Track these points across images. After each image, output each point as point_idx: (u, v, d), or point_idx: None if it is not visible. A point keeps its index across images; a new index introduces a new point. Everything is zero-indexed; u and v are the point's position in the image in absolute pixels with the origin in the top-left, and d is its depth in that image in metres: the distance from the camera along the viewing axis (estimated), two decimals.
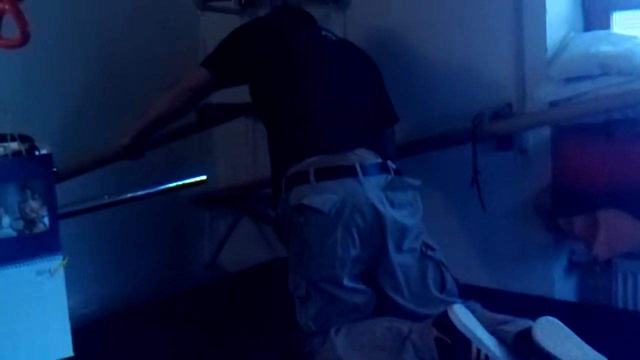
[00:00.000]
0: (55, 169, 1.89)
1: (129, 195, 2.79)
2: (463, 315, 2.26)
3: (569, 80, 2.95)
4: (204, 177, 2.94)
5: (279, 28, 2.83)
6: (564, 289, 3.20)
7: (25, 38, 1.74)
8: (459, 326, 2.23)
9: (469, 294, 2.59)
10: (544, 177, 3.10)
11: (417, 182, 2.62)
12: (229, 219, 3.81)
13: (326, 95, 2.68)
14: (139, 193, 2.81)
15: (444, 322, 2.28)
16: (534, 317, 2.21)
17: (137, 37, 3.47)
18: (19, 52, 1.81)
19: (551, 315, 2.20)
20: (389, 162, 2.61)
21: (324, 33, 2.88)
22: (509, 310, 2.40)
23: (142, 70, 3.46)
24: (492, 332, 2.26)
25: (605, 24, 3.25)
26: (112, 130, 3.03)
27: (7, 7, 1.74)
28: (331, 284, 2.47)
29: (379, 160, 2.59)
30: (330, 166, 2.51)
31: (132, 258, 3.49)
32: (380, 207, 2.48)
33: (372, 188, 2.50)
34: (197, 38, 3.65)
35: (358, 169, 2.50)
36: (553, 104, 3.01)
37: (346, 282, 2.47)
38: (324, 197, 2.45)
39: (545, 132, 3.12)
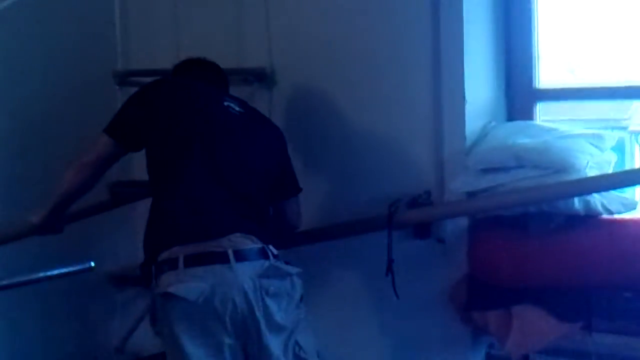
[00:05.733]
0: None
1: (17, 280, 2.67)
2: None
3: (485, 171, 2.89)
4: (91, 264, 2.81)
5: (175, 97, 2.73)
6: None
7: None
8: None
9: None
10: (461, 268, 3.00)
11: (295, 270, 2.59)
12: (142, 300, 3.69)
13: (213, 177, 2.61)
14: (23, 279, 2.69)
15: None
16: None
17: (51, 110, 3.40)
18: None
19: None
20: (270, 247, 2.56)
21: (226, 104, 2.76)
22: None
23: (56, 144, 3.38)
24: None
25: (529, 115, 3.20)
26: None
27: None
28: None
29: (258, 245, 2.53)
30: (201, 252, 2.46)
31: (38, 338, 3.35)
32: (251, 295, 2.44)
33: (245, 275, 2.46)
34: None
35: (230, 255, 2.46)
36: (471, 194, 2.94)
37: None
38: (191, 285, 2.41)
39: (463, 221, 3.04)
